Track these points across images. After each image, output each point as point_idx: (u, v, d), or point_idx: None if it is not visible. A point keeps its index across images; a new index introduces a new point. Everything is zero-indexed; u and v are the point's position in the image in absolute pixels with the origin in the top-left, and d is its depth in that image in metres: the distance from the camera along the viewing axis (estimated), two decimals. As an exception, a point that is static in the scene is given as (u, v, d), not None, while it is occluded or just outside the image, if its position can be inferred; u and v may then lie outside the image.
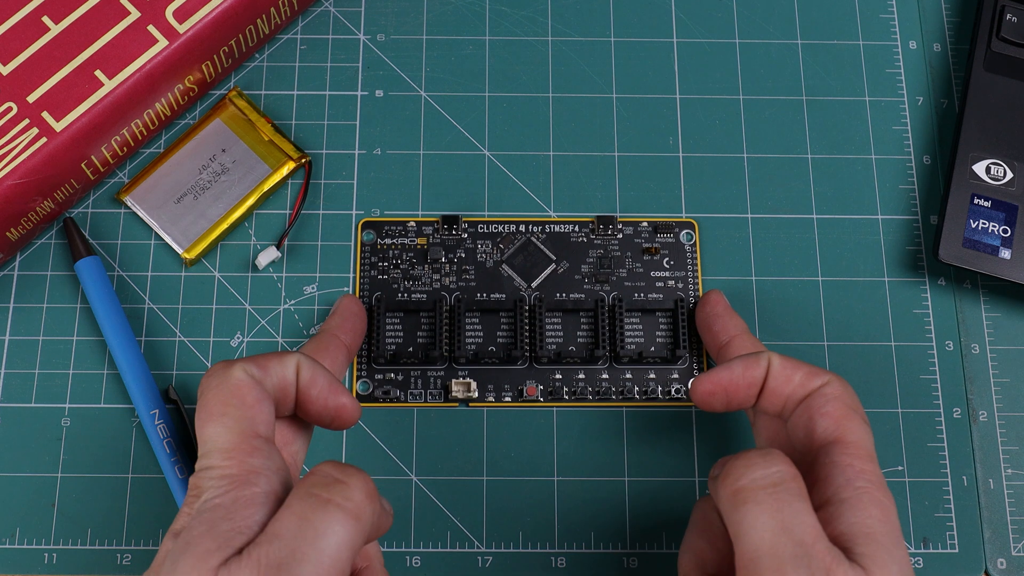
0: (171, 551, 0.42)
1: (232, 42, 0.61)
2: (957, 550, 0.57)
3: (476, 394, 0.58)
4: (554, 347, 0.59)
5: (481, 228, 0.61)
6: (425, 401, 0.58)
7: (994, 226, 0.59)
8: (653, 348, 0.59)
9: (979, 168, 0.61)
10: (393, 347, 0.59)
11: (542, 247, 0.61)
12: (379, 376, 0.58)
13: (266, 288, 0.60)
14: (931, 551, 0.57)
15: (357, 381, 0.58)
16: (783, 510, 0.42)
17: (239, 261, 0.61)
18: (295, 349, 0.56)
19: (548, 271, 0.60)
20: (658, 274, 0.60)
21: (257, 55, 0.64)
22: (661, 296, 0.60)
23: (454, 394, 0.58)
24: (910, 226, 0.62)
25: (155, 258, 0.61)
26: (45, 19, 0.58)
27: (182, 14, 0.59)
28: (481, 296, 0.60)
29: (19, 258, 0.61)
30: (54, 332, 0.59)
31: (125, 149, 0.61)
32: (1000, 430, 0.59)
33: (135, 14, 0.59)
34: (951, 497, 0.58)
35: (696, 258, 0.61)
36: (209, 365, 0.59)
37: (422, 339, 0.59)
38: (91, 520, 0.57)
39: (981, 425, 0.59)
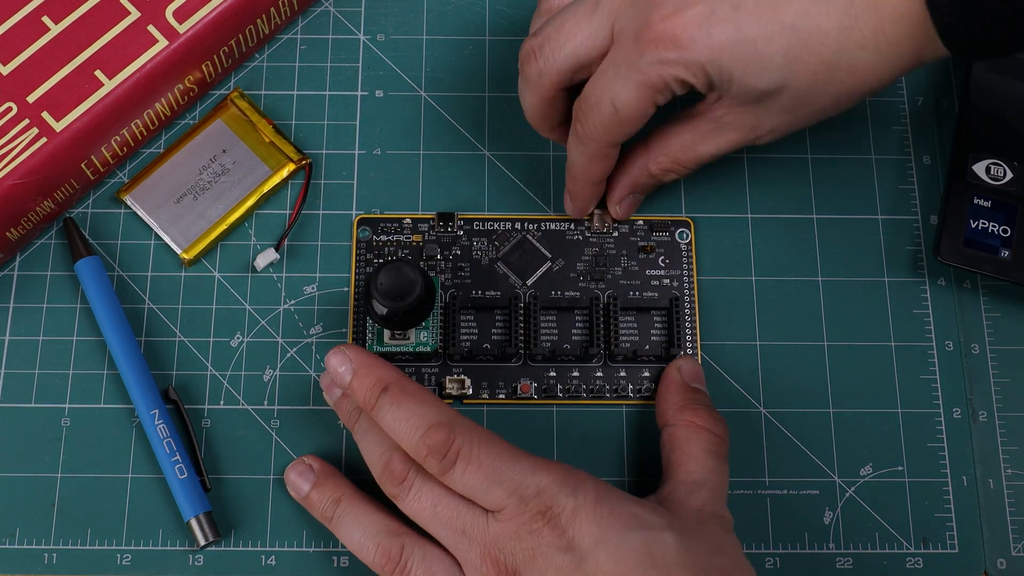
0: None
1: (232, 42, 0.61)
2: (957, 550, 0.57)
3: (470, 391, 0.58)
4: (549, 345, 0.59)
5: (477, 225, 0.61)
6: (419, 398, 0.58)
7: (994, 226, 0.59)
8: (648, 346, 0.59)
9: (979, 168, 0.60)
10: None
11: (538, 245, 0.61)
12: (373, 373, 0.59)
13: (266, 288, 0.60)
14: (931, 551, 0.57)
15: (352, 378, 0.58)
16: None
17: (239, 261, 0.61)
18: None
19: (543, 269, 0.60)
20: (653, 272, 0.60)
21: (257, 55, 0.64)
22: (656, 295, 0.60)
23: (448, 391, 0.58)
24: (910, 226, 0.62)
25: (155, 258, 0.61)
26: (45, 19, 0.59)
27: (182, 14, 0.59)
28: (476, 293, 0.60)
29: (19, 258, 0.61)
30: (54, 332, 0.59)
31: (125, 149, 0.61)
32: (1000, 430, 0.58)
33: (135, 14, 0.59)
34: (951, 497, 0.57)
35: (692, 257, 0.61)
36: (209, 365, 0.59)
37: (416, 336, 0.59)
38: (91, 520, 0.57)
39: (981, 425, 0.59)
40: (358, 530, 0.52)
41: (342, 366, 0.52)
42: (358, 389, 0.52)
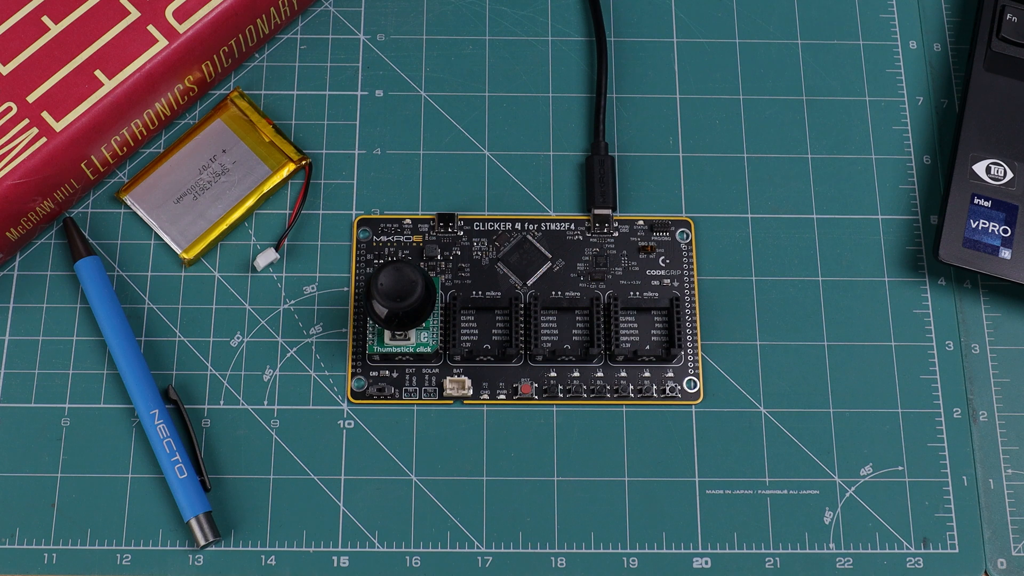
0: None
1: (232, 42, 0.61)
2: (957, 550, 0.57)
3: (471, 392, 0.58)
4: (549, 345, 0.59)
5: (477, 226, 0.61)
6: (420, 398, 0.58)
7: (994, 226, 0.59)
8: (648, 346, 0.59)
9: (979, 168, 0.61)
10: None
11: (538, 245, 0.61)
12: (374, 373, 0.59)
13: (266, 288, 0.60)
14: (931, 551, 0.57)
15: (352, 378, 0.58)
16: None
17: (239, 261, 0.61)
18: None
19: (544, 269, 0.60)
20: (654, 272, 0.60)
21: (257, 55, 0.64)
22: (656, 295, 0.60)
23: (448, 392, 0.58)
24: (910, 226, 0.62)
25: (155, 258, 0.61)
26: (45, 19, 0.59)
27: (182, 14, 0.59)
28: (476, 294, 0.60)
29: (19, 258, 0.61)
30: (54, 332, 0.59)
31: (125, 149, 0.61)
32: (1000, 430, 0.58)
33: (135, 14, 0.59)
34: (951, 497, 0.57)
35: (692, 257, 0.61)
36: (209, 365, 0.59)
37: (416, 336, 0.59)
38: (91, 520, 0.57)
39: (981, 425, 0.59)
40: None
41: None
42: None
